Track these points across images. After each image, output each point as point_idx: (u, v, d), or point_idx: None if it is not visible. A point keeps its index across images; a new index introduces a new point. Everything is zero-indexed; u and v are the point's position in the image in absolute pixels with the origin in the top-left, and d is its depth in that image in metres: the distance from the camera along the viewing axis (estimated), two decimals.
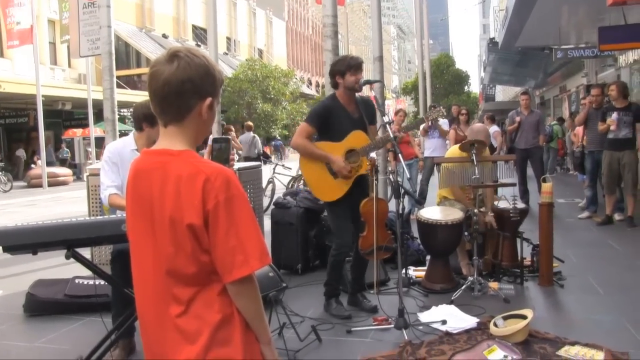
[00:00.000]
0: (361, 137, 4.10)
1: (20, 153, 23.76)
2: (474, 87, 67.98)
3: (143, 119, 3.52)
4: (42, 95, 18.69)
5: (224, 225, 1.41)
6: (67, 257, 2.98)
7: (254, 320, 1.51)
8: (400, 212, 3.96)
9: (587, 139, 8.09)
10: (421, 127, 8.76)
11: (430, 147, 8.81)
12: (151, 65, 1.52)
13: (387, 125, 3.90)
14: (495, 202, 5.15)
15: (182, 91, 1.47)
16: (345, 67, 4.07)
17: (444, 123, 8.88)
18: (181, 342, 1.46)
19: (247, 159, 11.37)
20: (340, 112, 4.12)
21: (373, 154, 4.02)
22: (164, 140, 1.54)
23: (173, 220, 1.43)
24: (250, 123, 13.07)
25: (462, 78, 50.04)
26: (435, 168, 8.94)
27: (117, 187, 3.45)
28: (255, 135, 12.23)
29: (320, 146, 4.12)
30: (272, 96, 36.38)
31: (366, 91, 4.33)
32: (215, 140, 1.72)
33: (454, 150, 5.18)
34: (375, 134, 4.28)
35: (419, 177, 9.11)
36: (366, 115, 4.17)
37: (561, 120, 17.03)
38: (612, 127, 7.10)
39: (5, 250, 2.84)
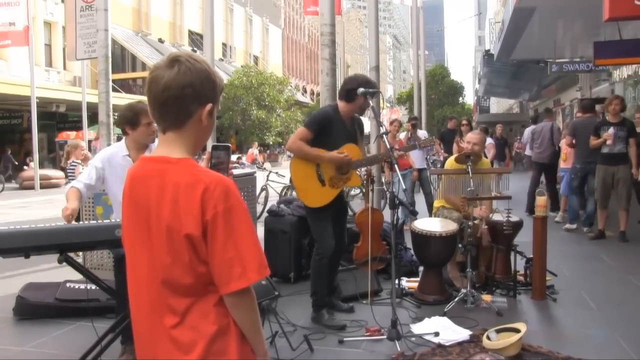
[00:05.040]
0: (354, 151, 4.22)
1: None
2: (469, 98, 68.31)
3: (124, 123, 3.53)
4: (37, 97, 18.60)
5: (222, 236, 1.38)
6: (60, 262, 2.96)
7: (250, 332, 1.49)
8: (395, 222, 3.96)
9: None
10: (402, 137, 8.92)
11: (414, 159, 8.86)
12: (151, 69, 1.49)
13: (384, 136, 3.92)
14: (490, 215, 5.15)
15: (182, 96, 1.45)
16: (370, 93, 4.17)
17: (422, 134, 9.01)
18: (175, 353, 1.44)
19: None
20: (339, 125, 4.23)
21: None
22: (162, 147, 1.52)
23: (170, 230, 1.41)
24: None
25: (456, 89, 50.30)
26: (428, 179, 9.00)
27: (85, 185, 3.46)
28: None
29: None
30: (267, 103, 36.42)
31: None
32: (214, 148, 1.70)
33: (451, 162, 5.19)
34: (363, 150, 4.45)
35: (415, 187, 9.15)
36: (359, 132, 4.39)
37: None
38: (608, 142, 7.14)
39: None
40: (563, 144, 9.10)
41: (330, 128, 4.18)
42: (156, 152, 1.53)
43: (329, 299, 4.48)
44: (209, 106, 1.50)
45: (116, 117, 3.80)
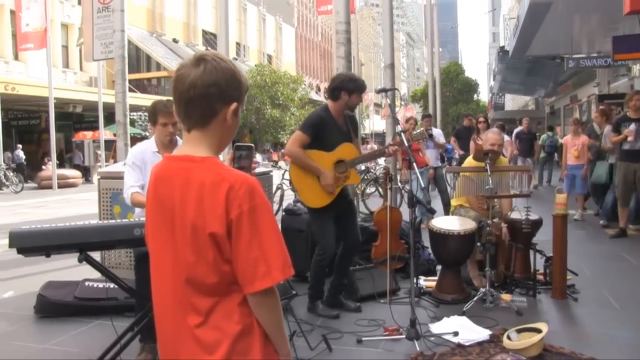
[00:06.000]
0: (351, 150, 4.31)
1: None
2: (483, 95, 67.81)
3: (149, 119, 3.63)
4: (54, 98, 18.82)
5: (246, 235, 1.37)
6: (80, 261, 2.97)
7: (274, 332, 1.48)
8: (413, 221, 3.93)
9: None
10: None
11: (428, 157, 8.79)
12: (177, 68, 1.49)
13: (402, 134, 3.90)
14: (509, 213, 5.09)
15: (207, 95, 1.44)
16: (355, 88, 4.23)
17: (437, 133, 8.96)
18: (199, 353, 1.43)
19: None
20: (332, 124, 4.31)
21: (381, 162, 4.07)
22: (186, 145, 1.51)
23: (195, 229, 1.40)
24: None
25: (471, 86, 50.00)
26: (445, 177, 8.95)
27: (140, 187, 3.47)
28: None
29: (311, 154, 4.27)
30: (281, 102, 36.45)
31: (380, 99, 4.36)
32: (237, 147, 1.69)
33: (469, 160, 5.14)
34: (359, 146, 4.55)
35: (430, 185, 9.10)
36: (352, 130, 4.44)
37: (550, 129, 16.78)
38: (629, 138, 7.03)
39: (19, 252, 2.84)
40: (568, 140, 8.99)
41: (325, 129, 4.27)
42: (180, 151, 1.52)
43: (336, 298, 4.53)
44: (233, 105, 1.50)
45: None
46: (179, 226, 1.44)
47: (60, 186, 19.49)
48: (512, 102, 61.41)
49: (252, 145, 1.72)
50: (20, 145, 23.21)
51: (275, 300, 1.46)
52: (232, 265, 1.41)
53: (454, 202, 5.43)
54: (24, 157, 22.83)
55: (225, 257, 1.40)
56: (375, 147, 38.91)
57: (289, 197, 9.63)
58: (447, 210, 7.01)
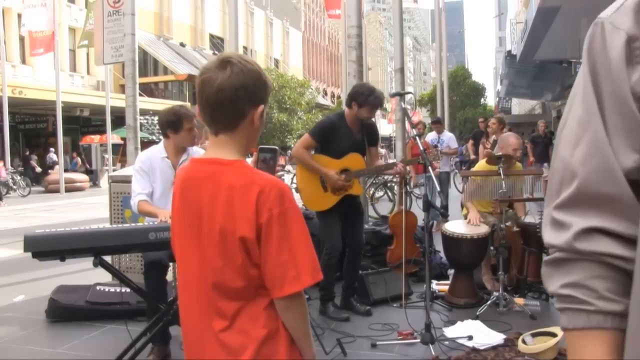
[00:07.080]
0: (358, 160, 4.32)
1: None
2: (490, 99, 67.72)
3: (167, 126, 3.59)
4: (61, 102, 18.88)
5: (276, 239, 1.36)
6: (95, 265, 2.97)
7: (300, 336, 1.47)
8: (427, 225, 3.92)
9: None
10: (429, 139, 8.84)
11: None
12: (201, 72, 1.47)
13: (417, 138, 3.90)
14: (522, 217, 5.07)
15: (235, 98, 1.43)
16: (365, 102, 4.23)
17: (450, 139, 8.94)
18: (224, 357, 1.42)
19: None
20: (344, 132, 4.32)
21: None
22: (213, 149, 1.50)
23: (224, 232, 1.38)
24: None
25: (478, 90, 49.91)
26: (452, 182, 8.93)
27: (147, 194, 3.48)
28: None
29: (317, 159, 4.31)
30: (288, 106, 36.53)
31: (386, 103, 4.36)
32: (261, 150, 1.67)
33: (481, 164, 5.12)
34: (376, 155, 4.54)
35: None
36: (368, 139, 4.42)
37: (551, 134, 16.62)
38: None
39: (34, 256, 2.83)
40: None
41: (335, 136, 4.28)
42: (208, 154, 1.51)
43: (347, 301, 4.54)
44: (261, 107, 1.49)
45: (157, 121, 3.87)
46: (207, 229, 1.42)
47: (67, 190, 19.55)
48: (519, 106, 61.31)
49: (276, 147, 1.71)
50: (52, 149, 23.25)
51: (303, 305, 1.45)
52: (259, 270, 1.40)
53: (466, 206, 5.40)
54: (56, 159, 22.97)
55: (253, 261, 1.39)
56: (382, 151, 38.82)
57: (299, 201, 9.62)
58: (447, 212, 7.09)
